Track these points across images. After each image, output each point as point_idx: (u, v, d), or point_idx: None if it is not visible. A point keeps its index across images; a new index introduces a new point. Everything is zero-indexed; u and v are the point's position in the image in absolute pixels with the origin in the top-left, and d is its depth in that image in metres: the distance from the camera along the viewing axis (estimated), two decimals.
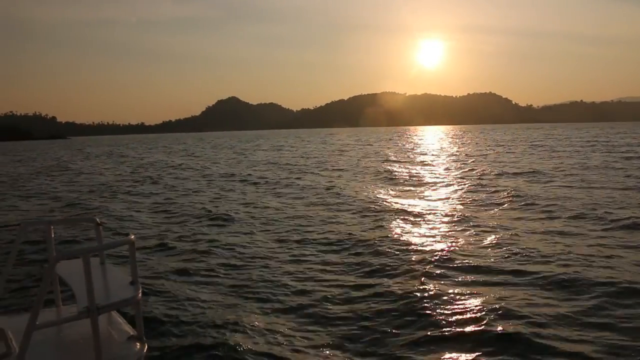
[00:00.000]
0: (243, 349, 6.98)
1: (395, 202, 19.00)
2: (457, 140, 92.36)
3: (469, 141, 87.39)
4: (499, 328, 7.11)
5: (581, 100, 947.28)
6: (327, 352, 6.85)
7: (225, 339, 7.31)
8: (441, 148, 66.35)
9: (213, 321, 7.99)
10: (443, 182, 26.29)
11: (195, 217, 17.65)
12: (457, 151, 56.73)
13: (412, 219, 15.84)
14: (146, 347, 4.22)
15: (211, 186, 28.05)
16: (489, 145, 67.40)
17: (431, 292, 8.88)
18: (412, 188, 23.98)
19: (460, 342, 6.91)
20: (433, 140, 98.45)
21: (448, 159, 45.60)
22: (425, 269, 10.35)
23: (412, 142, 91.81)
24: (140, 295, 4.15)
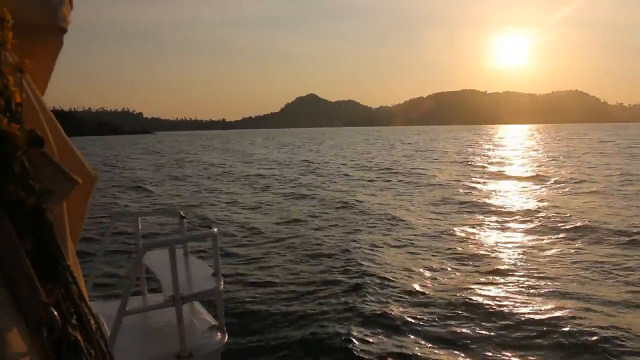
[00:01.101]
0: (320, 343, 7.00)
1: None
2: (527, 141, 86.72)
3: (540, 141, 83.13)
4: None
5: None
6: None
7: (304, 333, 7.35)
8: (514, 148, 62.59)
9: (292, 314, 8.04)
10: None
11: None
12: (524, 154, 52.38)
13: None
14: (227, 337, 4.31)
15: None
16: (560, 147, 62.04)
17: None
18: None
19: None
20: (509, 140, 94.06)
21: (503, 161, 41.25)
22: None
23: (492, 141, 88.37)
24: (222, 286, 4.22)
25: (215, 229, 4.46)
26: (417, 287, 9.23)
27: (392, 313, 7.96)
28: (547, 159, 42.46)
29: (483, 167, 36.11)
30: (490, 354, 6.65)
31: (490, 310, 8.11)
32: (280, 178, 31.73)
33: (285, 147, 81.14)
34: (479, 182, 25.89)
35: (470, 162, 39.88)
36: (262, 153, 64.83)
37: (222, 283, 4.26)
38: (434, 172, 32.05)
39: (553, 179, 26.24)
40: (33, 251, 1.27)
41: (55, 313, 1.27)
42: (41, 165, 1.28)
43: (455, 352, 6.74)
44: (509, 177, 28.38)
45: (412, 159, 45.98)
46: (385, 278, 9.76)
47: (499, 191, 22.63)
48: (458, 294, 8.75)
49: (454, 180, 26.76)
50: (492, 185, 25.02)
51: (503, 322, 7.62)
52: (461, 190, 22.67)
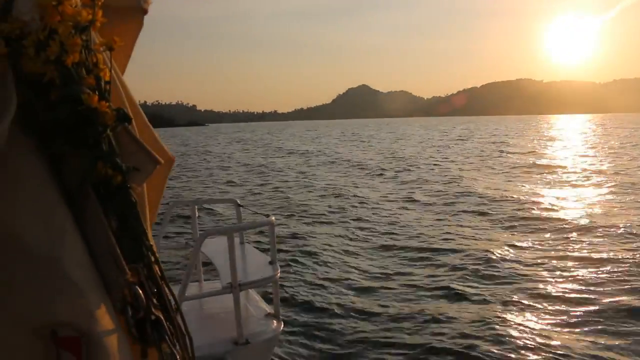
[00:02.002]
0: (376, 335, 6.94)
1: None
2: (570, 133, 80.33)
3: (586, 131, 79.32)
4: None
5: None
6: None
7: (358, 323, 7.29)
8: (554, 138, 59.46)
9: (349, 305, 7.99)
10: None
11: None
12: (558, 144, 48.73)
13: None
14: (282, 325, 4.30)
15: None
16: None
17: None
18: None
19: None
20: (556, 131, 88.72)
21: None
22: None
23: (539, 132, 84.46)
24: (278, 275, 4.25)
25: (273, 218, 4.48)
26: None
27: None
28: (583, 149, 41.30)
29: (509, 159, 34.59)
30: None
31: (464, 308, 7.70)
32: (290, 168, 31.95)
33: (320, 138, 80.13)
34: (495, 177, 24.74)
35: (500, 154, 38.26)
36: (294, 144, 64.40)
37: (278, 271, 4.29)
38: (454, 165, 30.99)
39: (567, 171, 25.53)
40: (118, 230, 1.28)
41: (140, 292, 1.27)
42: (126, 144, 1.28)
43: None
44: (528, 170, 26.99)
45: (441, 150, 44.83)
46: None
47: (511, 186, 21.27)
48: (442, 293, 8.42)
49: (470, 175, 25.50)
50: (507, 179, 23.78)
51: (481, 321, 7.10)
52: (469, 185, 21.47)
